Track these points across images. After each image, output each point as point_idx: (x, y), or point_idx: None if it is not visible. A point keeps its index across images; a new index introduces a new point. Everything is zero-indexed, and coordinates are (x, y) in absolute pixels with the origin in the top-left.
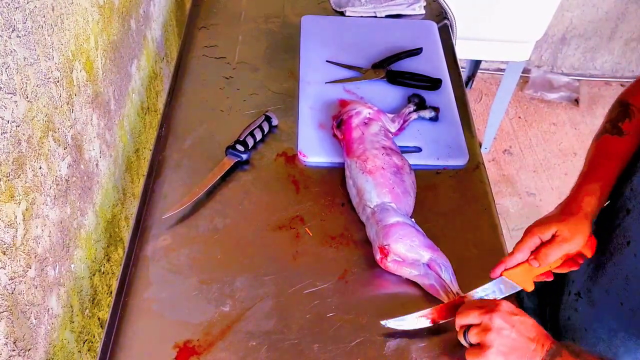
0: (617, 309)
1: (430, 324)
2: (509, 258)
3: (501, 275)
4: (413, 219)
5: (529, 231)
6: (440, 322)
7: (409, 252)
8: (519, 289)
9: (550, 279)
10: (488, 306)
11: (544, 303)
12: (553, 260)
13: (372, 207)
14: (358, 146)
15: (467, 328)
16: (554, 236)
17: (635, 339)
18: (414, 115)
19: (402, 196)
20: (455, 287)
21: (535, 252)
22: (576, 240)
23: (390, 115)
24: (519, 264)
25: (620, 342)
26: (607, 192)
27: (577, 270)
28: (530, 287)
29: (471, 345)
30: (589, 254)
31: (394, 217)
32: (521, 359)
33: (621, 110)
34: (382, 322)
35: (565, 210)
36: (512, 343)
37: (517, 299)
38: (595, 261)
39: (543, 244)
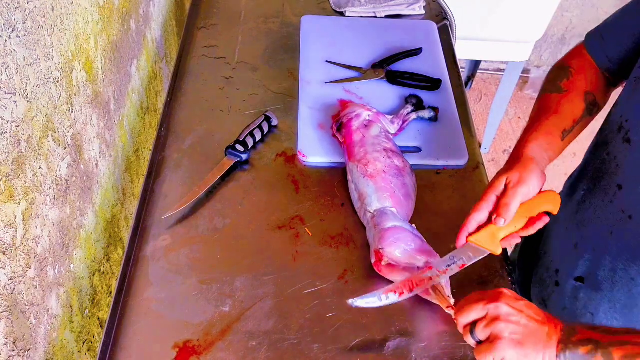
0: (628, 285)
1: (400, 298)
2: (469, 221)
3: (467, 242)
4: (413, 225)
5: (483, 194)
6: (410, 295)
7: (403, 256)
8: (487, 253)
9: (518, 241)
10: (489, 296)
11: (530, 298)
12: (514, 209)
13: (372, 211)
14: (359, 150)
15: (472, 325)
16: (506, 185)
17: None
18: (414, 116)
19: (403, 200)
20: (447, 291)
21: (495, 208)
22: (529, 182)
23: (389, 117)
24: (482, 227)
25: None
26: (551, 142)
27: (568, 258)
28: (498, 250)
29: (480, 342)
30: (554, 210)
31: (391, 221)
32: (537, 345)
33: (560, 72)
34: (349, 301)
35: (510, 160)
36: (524, 329)
37: None
38: (593, 244)
39: (499, 198)
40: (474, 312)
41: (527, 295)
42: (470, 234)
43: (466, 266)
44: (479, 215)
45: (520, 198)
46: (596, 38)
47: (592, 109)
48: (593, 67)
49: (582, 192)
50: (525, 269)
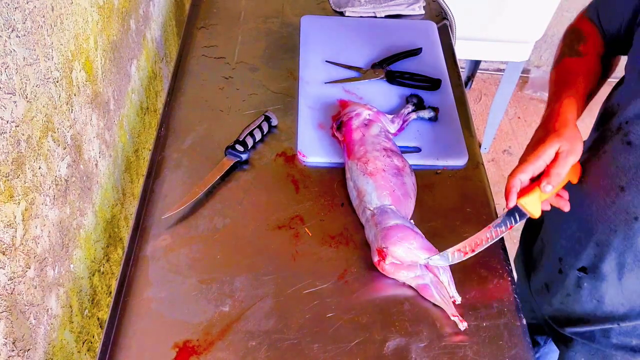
0: (637, 276)
1: (464, 257)
2: (514, 180)
3: (516, 204)
4: (412, 221)
5: (530, 156)
6: (472, 254)
7: (406, 254)
8: (528, 216)
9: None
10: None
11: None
12: (564, 177)
13: (371, 209)
14: (359, 148)
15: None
16: (557, 154)
17: None
18: (413, 116)
19: (402, 198)
20: (452, 290)
21: (545, 175)
22: (577, 153)
23: (390, 116)
24: (529, 190)
25: None
26: (580, 105)
27: (571, 250)
28: (538, 214)
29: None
30: (574, 179)
31: (393, 219)
32: None
33: (575, 36)
34: (427, 259)
35: (555, 126)
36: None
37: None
38: (596, 239)
39: (548, 166)
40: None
41: (527, 280)
42: (518, 196)
43: (512, 228)
44: (525, 177)
45: (569, 166)
46: (593, 11)
47: (607, 72)
48: (598, 33)
49: (583, 187)
50: (527, 254)
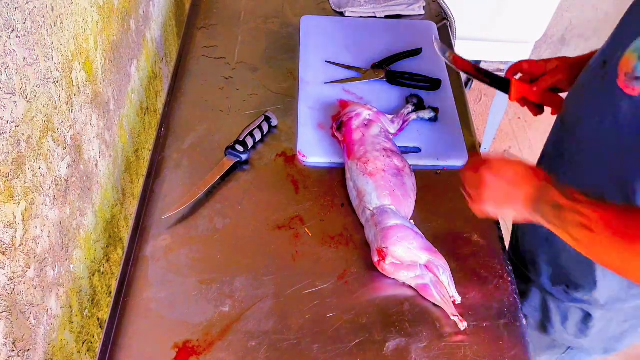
0: None
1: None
2: (522, 65)
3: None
4: (412, 221)
5: (535, 62)
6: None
7: (406, 254)
8: (505, 89)
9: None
10: (483, 165)
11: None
12: (548, 84)
13: (371, 209)
14: (359, 148)
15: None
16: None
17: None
18: (413, 116)
19: (402, 199)
20: (452, 290)
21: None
22: (568, 76)
23: (390, 116)
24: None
25: None
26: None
27: None
28: (513, 98)
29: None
30: (556, 110)
31: (393, 219)
32: (513, 204)
33: None
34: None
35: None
36: (504, 192)
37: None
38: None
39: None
40: (470, 181)
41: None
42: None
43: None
44: (526, 64)
45: (556, 80)
46: None
47: None
48: None
49: None
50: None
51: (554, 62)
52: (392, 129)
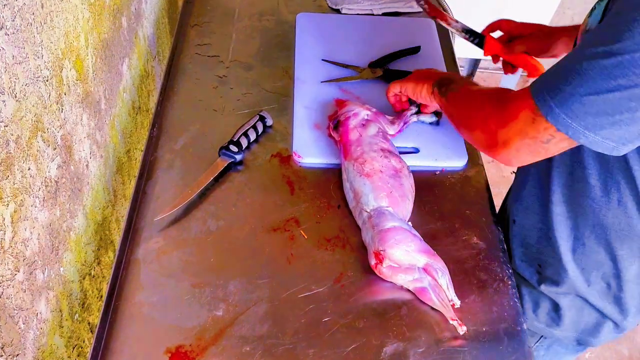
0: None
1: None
2: (500, 23)
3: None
4: (410, 223)
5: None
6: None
7: (404, 257)
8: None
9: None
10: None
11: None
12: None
13: (368, 211)
14: (356, 148)
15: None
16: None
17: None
18: (414, 118)
19: (399, 200)
20: (451, 294)
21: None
22: (544, 43)
23: (390, 117)
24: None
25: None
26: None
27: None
28: (487, 53)
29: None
30: (533, 74)
31: (390, 221)
32: (422, 83)
33: None
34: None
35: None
36: (414, 81)
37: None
38: None
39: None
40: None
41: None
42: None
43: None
44: (495, 26)
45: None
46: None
47: None
48: None
49: None
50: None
51: (531, 28)
52: (392, 130)
